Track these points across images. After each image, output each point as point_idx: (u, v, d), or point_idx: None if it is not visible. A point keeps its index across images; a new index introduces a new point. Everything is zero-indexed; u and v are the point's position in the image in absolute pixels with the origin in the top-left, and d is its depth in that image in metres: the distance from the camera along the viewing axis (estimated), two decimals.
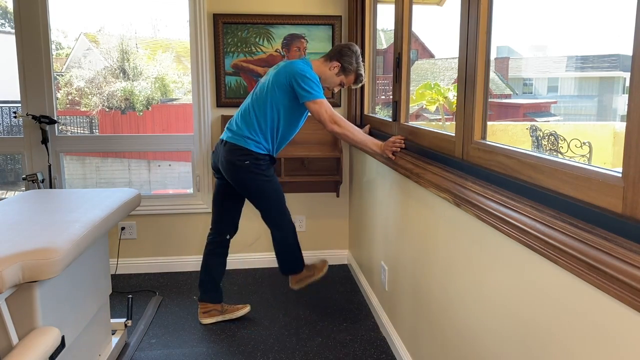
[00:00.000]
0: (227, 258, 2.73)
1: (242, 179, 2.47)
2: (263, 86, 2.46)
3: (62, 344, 1.67)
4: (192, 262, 3.38)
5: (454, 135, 1.70)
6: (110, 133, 8.60)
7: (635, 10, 0.89)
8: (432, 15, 3.37)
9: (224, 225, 2.68)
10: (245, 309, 2.74)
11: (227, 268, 2.74)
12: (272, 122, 2.43)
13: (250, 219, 3.28)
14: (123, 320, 2.44)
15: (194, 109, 3.28)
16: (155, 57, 10.37)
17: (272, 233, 2.62)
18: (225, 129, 2.56)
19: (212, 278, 2.68)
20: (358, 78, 2.51)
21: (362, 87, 3.18)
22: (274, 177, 2.52)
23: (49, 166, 3.15)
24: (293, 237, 2.63)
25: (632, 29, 0.90)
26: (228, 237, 2.69)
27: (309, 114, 2.45)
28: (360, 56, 2.49)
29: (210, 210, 3.31)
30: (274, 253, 2.63)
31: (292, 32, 3.24)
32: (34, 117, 3.06)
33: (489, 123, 1.57)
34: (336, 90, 2.58)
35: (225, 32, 3.20)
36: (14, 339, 1.51)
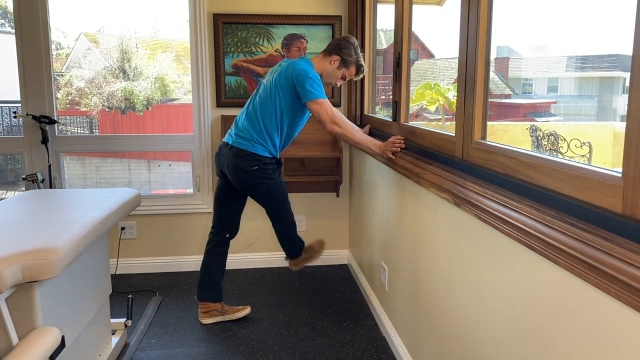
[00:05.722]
0: (227, 258, 2.73)
1: (251, 183, 2.49)
2: (266, 87, 2.45)
3: (62, 344, 1.67)
4: (192, 262, 3.38)
5: (454, 135, 1.70)
6: (110, 133, 8.59)
7: (635, 10, 0.89)
8: (432, 15, 3.37)
9: (224, 225, 2.68)
10: (245, 311, 2.74)
11: (227, 268, 2.75)
12: (277, 123, 2.44)
13: (251, 219, 3.28)
14: (123, 320, 2.44)
15: (194, 109, 3.28)
16: (155, 57, 10.36)
17: (275, 228, 2.66)
18: (228, 132, 2.55)
19: (212, 277, 2.69)
20: (359, 69, 2.51)
21: (362, 87, 3.18)
22: (279, 179, 2.55)
23: (49, 166, 3.15)
24: (293, 230, 2.68)
25: (632, 29, 0.90)
26: (228, 236, 2.69)
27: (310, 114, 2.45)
28: (359, 47, 2.50)
29: (210, 210, 3.33)
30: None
31: (292, 32, 3.24)
32: (34, 117, 3.06)
33: (489, 123, 1.57)
34: (339, 84, 2.57)
35: (225, 32, 3.20)
36: (14, 339, 1.51)
